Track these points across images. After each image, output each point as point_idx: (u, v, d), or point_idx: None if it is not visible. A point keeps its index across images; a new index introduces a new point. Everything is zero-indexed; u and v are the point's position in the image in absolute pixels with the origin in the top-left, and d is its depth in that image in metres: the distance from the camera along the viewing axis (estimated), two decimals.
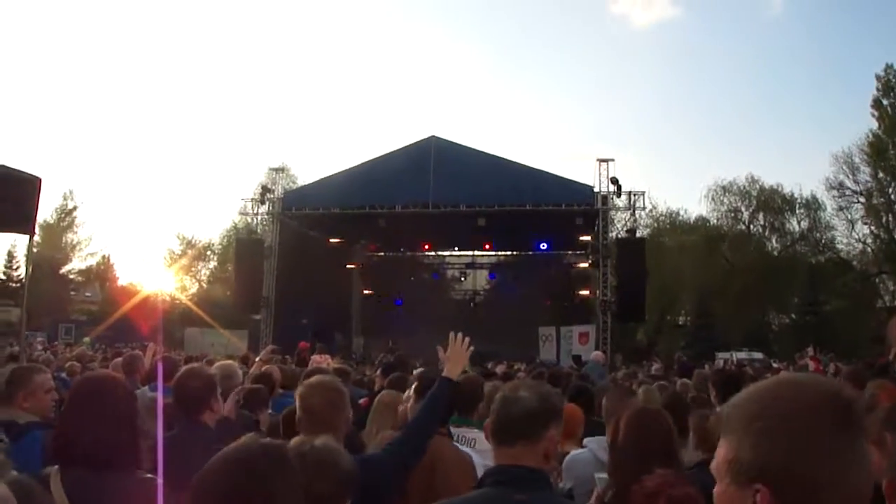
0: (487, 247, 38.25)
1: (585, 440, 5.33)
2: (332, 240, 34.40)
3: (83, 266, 63.61)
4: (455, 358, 4.51)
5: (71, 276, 62.21)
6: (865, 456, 1.49)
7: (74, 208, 60.84)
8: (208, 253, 63.19)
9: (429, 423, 4.32)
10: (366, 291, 40.78)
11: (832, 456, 1.45)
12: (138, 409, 3.77)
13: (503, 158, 31.02)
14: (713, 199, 55.88)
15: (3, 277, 57.00)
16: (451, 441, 4.66)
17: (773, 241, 56.50)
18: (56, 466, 3.26)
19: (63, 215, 60.29)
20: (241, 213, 35.14)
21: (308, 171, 77.94)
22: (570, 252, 38.04)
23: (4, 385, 5.11)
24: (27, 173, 8.34)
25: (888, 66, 49.11)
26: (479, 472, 4.71)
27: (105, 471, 3.21)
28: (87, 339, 30.67)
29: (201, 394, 4.91)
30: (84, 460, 3.23)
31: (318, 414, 4.07)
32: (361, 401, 7.17)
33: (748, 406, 1.55)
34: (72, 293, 61.08)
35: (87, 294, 63.35)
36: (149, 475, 3.54)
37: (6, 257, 56.77)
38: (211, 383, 5.06)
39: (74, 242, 61.65)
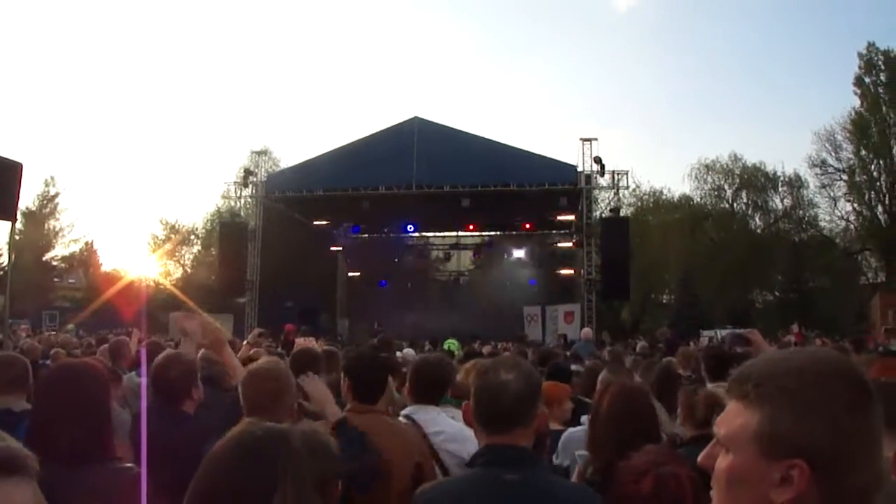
0: (472, 227, 38.13)
1: (583, 417, 5.33)
2: (316, 222, 34.37)
3: (66, 252, 63.18)
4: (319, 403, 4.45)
5: (54, 263, 61.81)
6: (883, 435, 1.49)
7: (56, 195, 60.41)
8: (192, 237, 62.89)
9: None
10: (350, 273, 40.72)
11: (868, 437, 1.45)
12: (110, 399, 3.72)
13: (486, 139, 31.02)
14: (696, 177, 55.85)
15: None
16: (389, 418, 4.66)
17: (757, 218, 56.47)
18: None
19: (45, 202, 59.86)
20: (225, 197, 35.01)
21: (291, 153, 77.77)
22: (554, 231, 38.05)
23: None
24: (8, 159, 8.28)
25: (870, 44, 49.23)
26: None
27: (79, 462, 3.16)
28: (71, 326, 30.55)
29: (181, 382, 4.86)
30: (57, 452, 3.18)
31: (258, 404, 4.08)
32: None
33: (785, 379, 1.51)
34: (55, 280, 60.82)
35: (71, 280, 63.12)
36: (127, 465, 3.50)
37: None
38: (191, 370, 5.01)
39: (57, 229, 61.20)
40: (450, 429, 4.80)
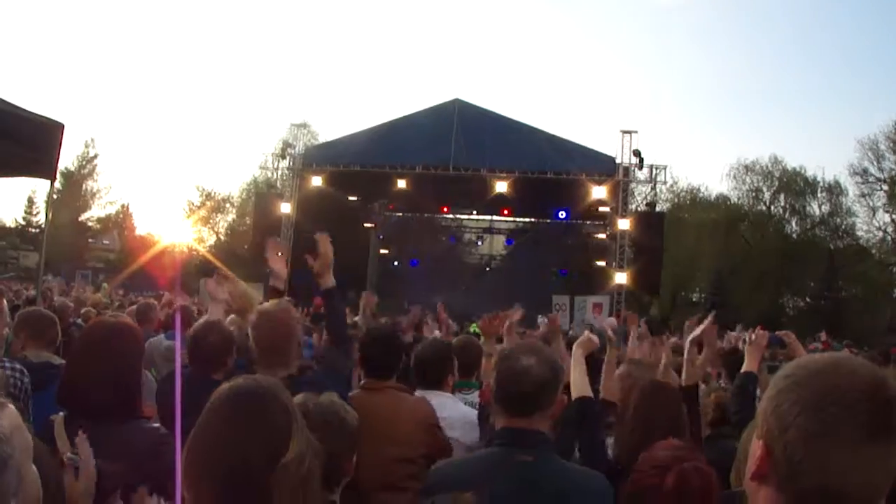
0: (506, 212, 37.99)
1: None
2: (351, 198, 34.35)
3: (102, 214, 63.91)
4: (323, 265, 4.64)
5: (89, 224, 62.47)
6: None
7: (95, 156, 61.12)
8: (227, 205, 63.23)
9: (338, 337, 4.60)
10: (382, 251, 40.76)
11: (841, 446, 1.44)
12: (141, 360, 3.75)
13: (526, 125, 30.76)
14: (735, 177, 55.47)
15: (23, 223, 57.31)
16: (412, 395, 4.68)
17: (794, 223, 56.04)
18: (61, 413, 3.24)
19: (84, 163, 60.49)
20: (262, 168, 35.18)
21: (330, 128, 77.80)
22: (588, 222, 37.87)
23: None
24: (51, 119, 8.31)
25: None
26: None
27: (108, 419, 3.18)
28: (105, 285, 30.79)
29: (218, 350, 4.88)
30: (88, 408, 3.20)
31: (270, 346, 4.12)
32: None
33: (795, 372, 1.55)
34: (90, 240, 61.45)
35: (105, 242, 63.76)
36: (154, 424, 3.53)
37: (26, 203, 57.07)
38: (229, 339, 5.03)
39: (94, 190, 61.93)
40: (454, 414, 4.82)
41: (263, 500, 1.91)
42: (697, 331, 5.14)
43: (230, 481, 1.90)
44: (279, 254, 5.09)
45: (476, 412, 4.97)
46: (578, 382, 4.02)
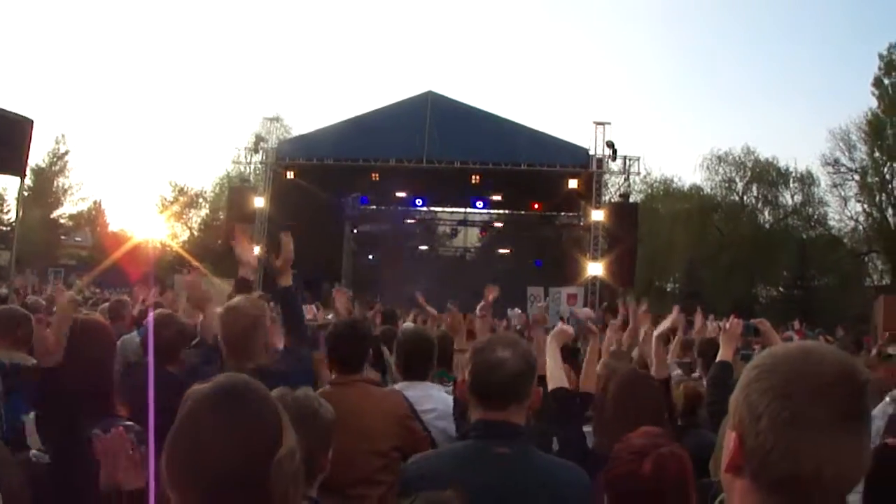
0: (480, 204, 38.01)
1: None
2: (324, 191, 34.20)
3: (74, 211, 63.41)
4: (283, 264, 4.71)
5: (62, 221, 61.99)
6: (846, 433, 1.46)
7: (66, 152, 60.54)
8: (200, 200, 62.96)
9: (297, 334, 4.63)
10: (356, 244, 40.68)
11: (809, 432, 1.44)
12: (116, 357, 3.72)
13: (500, 117, 30.97)
14: (708, 168, 55.76)
15: None
16: (378, 388, 4.68)
17: (766, 213, 56.45)
18: (33, 413, 3.20)
19: (55, 159, 59.97)
20: (235, 162, 35.14)
21: (303, 121, 77.69)
22: (562, 213, 37.99)
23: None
24: (20, 115, 8.27)
25: (891, 45, 48.78)
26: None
27: (83, 416, 3.15)
28: (78, 283, 30.56)
29: (171, 343, 4.86)
30: (64, 404, 3.17)
31: (237, 340, 4.11)
32: None
33: (766, 361, 1.55)
34: (62, 237, 60.93)
35: (78, 239, 63.19)
36: (129, 422, 3.50)
37: None
38: (184, 333, 5.01)
39: (66, 187, 61.40)
40: (442, 405, 4.81)
41: (262, 498, 1.87)
42: (663, 326, 5.15)
43: (227, 482, 1.85)
44: (247, 240, 5.03)
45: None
46: (554, 373, 4.02)
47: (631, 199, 32.60)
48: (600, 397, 4.22)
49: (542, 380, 3.98)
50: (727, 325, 5.49)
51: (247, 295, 4.62)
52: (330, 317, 8.52)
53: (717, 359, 5.25)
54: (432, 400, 4.79)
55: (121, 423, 3.39)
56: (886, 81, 48.77)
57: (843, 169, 51.20)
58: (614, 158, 29.44)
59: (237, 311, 4.23)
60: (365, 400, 4.38)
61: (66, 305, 3.71)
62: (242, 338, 4.14)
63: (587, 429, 4.27)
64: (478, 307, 6.62)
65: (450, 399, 5.02)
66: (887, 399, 5.75)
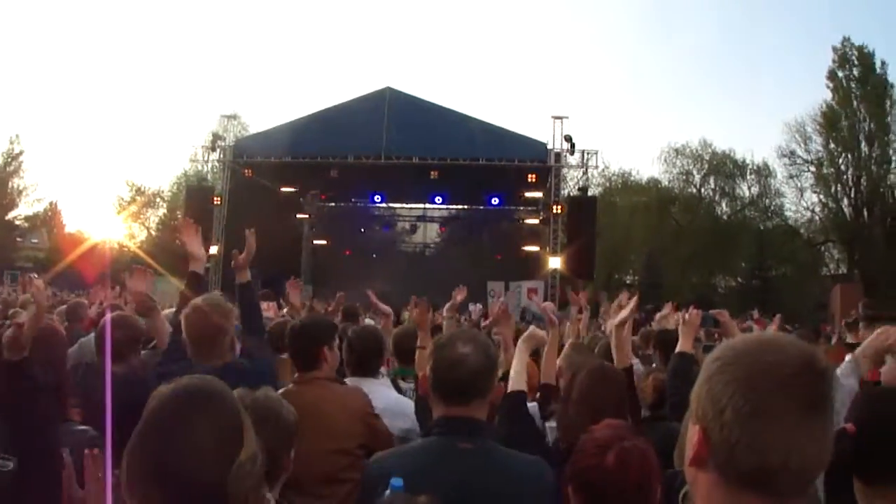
0: (439, 200, 37.93)
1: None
2: (283, 189, 34.06)
3: (30, 212, 62.70)
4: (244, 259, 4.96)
5: (17, 223, 61.30)
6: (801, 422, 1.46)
7: (21, 153, 59.82)
8: (158, 200, 62.53)
9: (254, 328, 4.78)
10: (316, 241, 40.51)
11: (771, 424, 1.44)
12: (66, 361, 3.68)
13: (458, 112, 30.94)
14: (665, 161, 56.21)
15: None
16: (340, 385, 4.67)
17: (724, 205, 56.98)
18: None
19: (9, 160, 59.29)
20: (192, 161, 34.78)
21: (260, 119, 77.35)
22: (521, 208, 38.05)
23: None
24: None
25: (845, 39, 49.57)
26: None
27: (38, 423, 3.10)
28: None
29: (119, 343, 4.81)
30: (9, 413, 3.12)
31: (201, 338, 4.10)
32: None
33: (725, 354, 1.55)
34: (18, 239, 60.28)
35: (34, 240, 62.57)
36: (82, 427, 3.45)
37: None
38: (135, 334, 4.98)
39: (21, 188, 60.69)
40: (386, 402, 4.81)
41: (221, 502, 1.84)
42: (623, 314, 5.16)
43: (184, 486, 1.82)
44: (195, 233, 4.98)
45: (410, 400, 5.02)
46: (515, 376, 4.03)
47: (589, 193, 32.75)
48: (565, 391, 4.22)
49: (506, 376, 3.99)
50: (686, 316, 5.50)
51: (210, 294, 4.59)
52: (284, 311, 8.50)
53: (677, 349, 5.26)
54: (379, 397, 4.78)
55: (74, 427, 3.36)
56: (840, 74, 49.38)
57: (799, 160, 51.85)
58: (572, 152, 29.38)
59: (201, 311, 4.21)
60: (328, 398, 4.36)
61: (43, 302, 3.64)
62: (209, 337, 4.12)
63: (551, 424, 4.28)
64: (445, 307, 6.65)
65: (397, 397, 5.04)
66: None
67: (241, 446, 1.90)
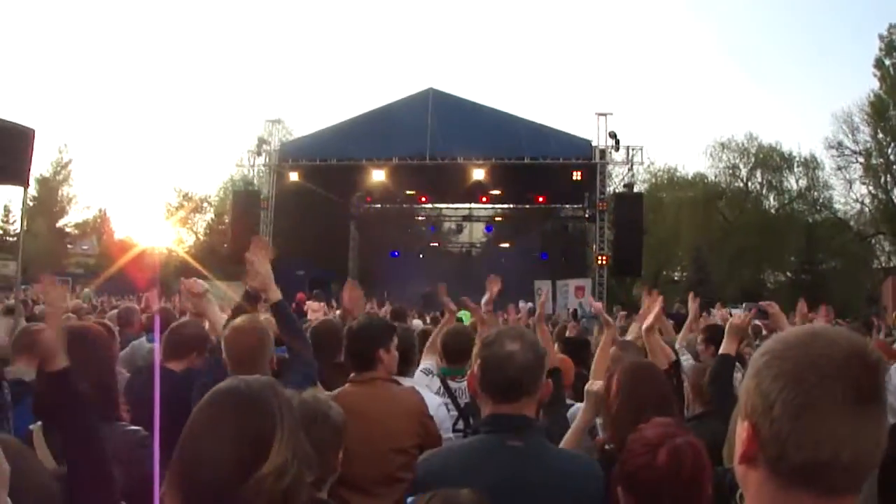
0: (484, 200, 37.94)
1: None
2: (328, 192, 34.25)
3: (79, 219, 63.64)
4: (261, 283, 4.62)
5: (67, 230, 62.19)
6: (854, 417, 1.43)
7: (69, 161, 60.80)
8: (205, 205, 63.13)
9: (298, 342, 4.50)
10: (362, 243, 40.67)
11: (820, 418, 1.42)
12: (115, 361, 3.71)
13: (501, 112, 30.86)
14: (711, 155, 55.79)
15: (0, 231, 56.94)
16: (397, 385, 4.65)
17: (771, 198, 56.42)
18: (39, 422, 3.18)
19: (59, 168, 60.23)
20: (238, 166, 35.15)
21: (305, 123, 77.77)
22: (567, 206, 37.97)
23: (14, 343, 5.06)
24: (21, 125, 8.25)
25: (892, 26, 48.69)
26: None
27: (82, 435, 3.13)
28: (87, 291, 30.57)
29: (191, 344, 4.87)
30: (69, 410, 3.15)
31: (239, 358, 4.13)
32: None
33: (777, 348, 1.52)
34: (68, 246, 61.15)
35: (84, 247, 63.40)
36: (132, 427, 3.49)
37: (2, 211, 56.70)
38: (201, 335, 5.04)
39: (70, 196, 61.66)
40: (429, 404, 4.81)
41: None
42: (649, 320, 5.12)
43: (196, 493, 1.81)
44: (264, 253, 4.99)
45: (444, 400, 5.14)
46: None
47: (635, 189, 32.53)
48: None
49: (552, 373, 3.97)
50: (735, 319, 5.26)
51: (251, 315, 4.61)
52: (338, 312, 8.49)
53: (720, 351, 5.09)
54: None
55: (124, 427, 3.40)
56: (888, 62, 48.60)
57: (846, 152, 51.16)
58: (617, 149, 29.30)
59: (242, 332, 4.25)
60: (387, 398, 4.37)
61: (57, 299, 3.64)
62: (249, 357, 4.15)
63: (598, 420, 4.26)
64: (482, 301, 6.60)
65: (433, 398, 5.04)
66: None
67: (265, 459, 1.83)
